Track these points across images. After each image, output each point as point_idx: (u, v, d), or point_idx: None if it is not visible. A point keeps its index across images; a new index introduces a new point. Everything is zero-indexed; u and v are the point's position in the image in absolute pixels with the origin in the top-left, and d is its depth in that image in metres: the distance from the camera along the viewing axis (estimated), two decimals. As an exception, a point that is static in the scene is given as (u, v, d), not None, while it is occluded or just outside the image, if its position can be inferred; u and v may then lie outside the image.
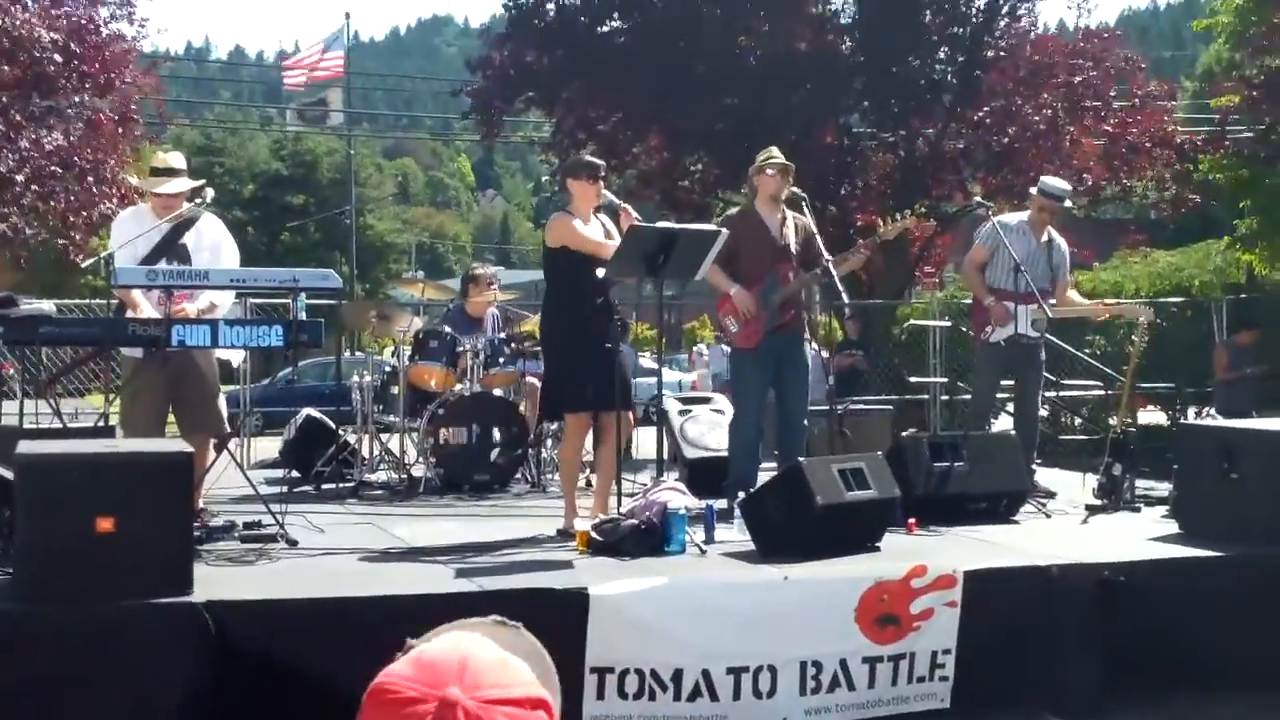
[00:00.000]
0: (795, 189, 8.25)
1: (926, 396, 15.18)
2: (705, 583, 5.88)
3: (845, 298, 8.11)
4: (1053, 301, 8.89)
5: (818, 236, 8.18)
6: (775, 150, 8.24)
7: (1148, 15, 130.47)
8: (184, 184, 7.46)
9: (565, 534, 7.07)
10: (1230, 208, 19.41)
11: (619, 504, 7.06)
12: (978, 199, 8.55)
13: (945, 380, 14.96)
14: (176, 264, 7.03)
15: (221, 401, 7.47)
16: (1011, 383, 9.43)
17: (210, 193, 7.47)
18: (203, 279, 6.67)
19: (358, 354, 15.35)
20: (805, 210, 8.21)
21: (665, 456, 8.00)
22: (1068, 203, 9.32)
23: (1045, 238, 9.08)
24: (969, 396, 12.89)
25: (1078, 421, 15.86)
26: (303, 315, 6.72)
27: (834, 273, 7.82)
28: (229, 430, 7.64)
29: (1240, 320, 14.54)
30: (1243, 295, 17.77)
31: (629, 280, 7.18)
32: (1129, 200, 21.94)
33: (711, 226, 7.31)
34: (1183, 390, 13.04)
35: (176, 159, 7.68)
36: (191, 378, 7.21)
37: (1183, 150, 18.84)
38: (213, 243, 7.46)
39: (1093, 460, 8.93)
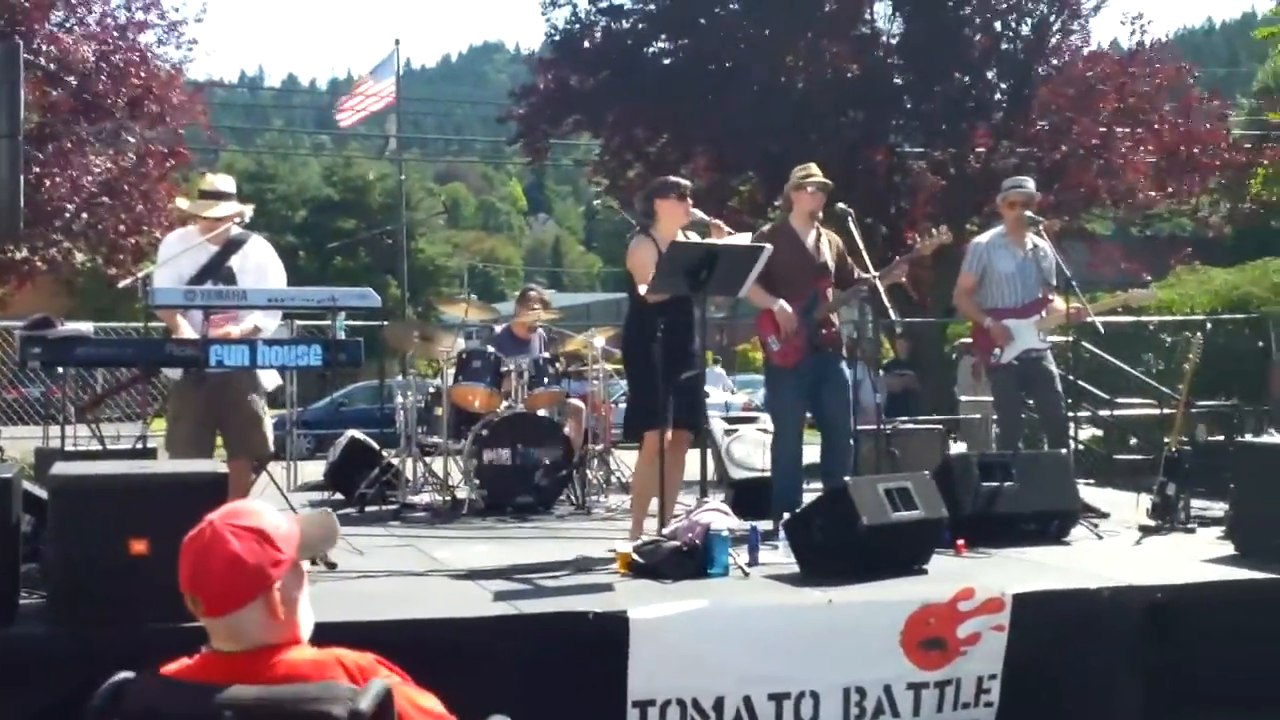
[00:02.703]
0: (842, 204, 8.16)
1: (979, 416, 14.96)
2: (747, 605, 5.75)
3: (893, 315, 7.99)
4: (1045, 314, 8.73)
5: (849, 255, 8.09)
6: (814, 167, 8.16)
7: (1201, 34, 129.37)
8: (232, 207, 7.45)
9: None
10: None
11: (661, 525, 6.98)
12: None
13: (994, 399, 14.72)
14: (222, 285, 7.02)
15: (268, 424, 7.43)
16: (1031, 401, 9.23)
17: (249, 212, 7.44)
18: (240, 299, 6.64)
19: (408, 376, 15.29)
20: (851, 225, 8.10)
21: (710, 477, 7.90)
22: (1029, 186, 9.11)
23: (1030, 245, 8.92)
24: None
25: (1132, 441, 15.63)
26: (341, 335, 6.68)
27: (880, 289, 7.71)
28: (272, 452, 7.60)
29: None
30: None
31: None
32: (1182, 215, 21.71)
33: (754, 244, 7.21)
34: (1241, 408, 12.76)
35: (225, 182, 7.67)
36: (234, 400, 7.19)
37: (1236, 164, 18.60)
38: (258, 264, 7.44)
39: (1147, 480, 8.75)
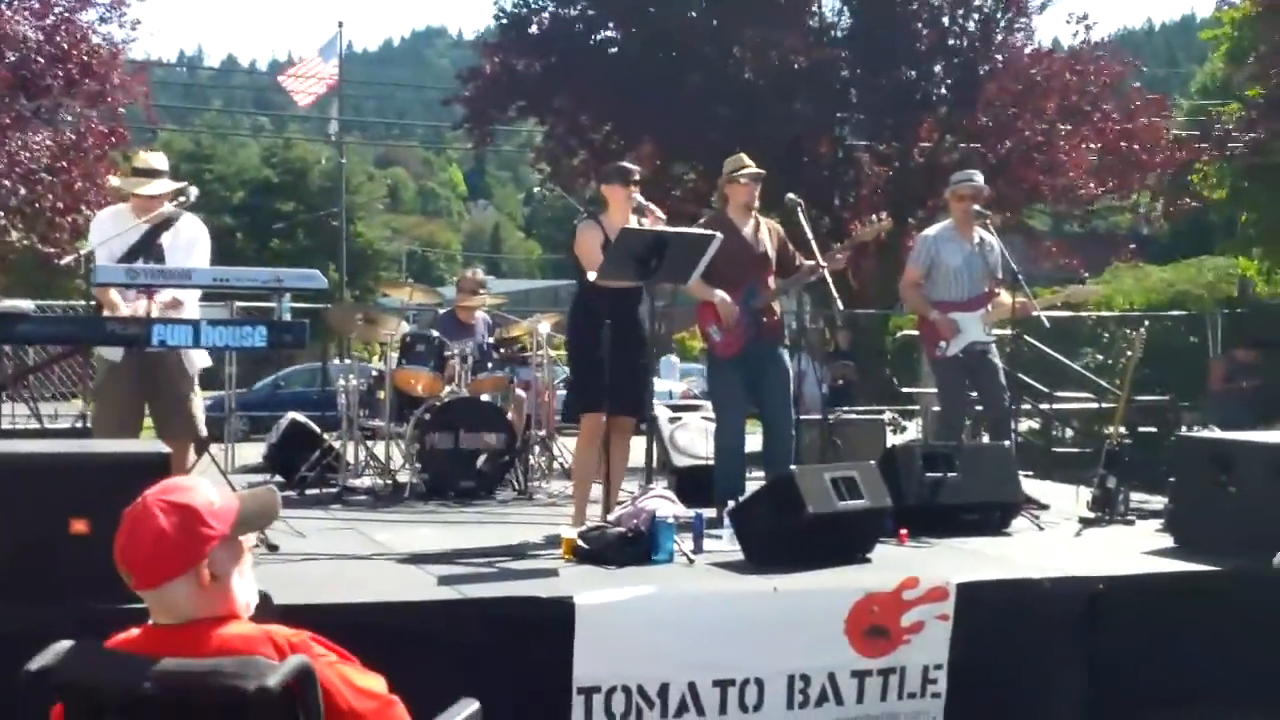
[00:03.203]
0: (791, 195, 8.17)
1: (917, 407, 15.07)
2: (693, 593, 5.75)
3: (838, 305, 8.01)
4: (991, 307, 8.79)
5: (797, 246, 8.09)
6: (745, 158, 8.15)
7: (1142, 35, 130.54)
8: (165, 185, 7.34)
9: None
10: (1222, 218, 19.41)
11: (605, 511, 6.97)
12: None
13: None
14: (152, 264, 6.89)
15: (197, 405, 7.34)
16: (975, 393, 9.28)
17: (194, 192, 7.35)
18: (185, 278, 6.53)
19: (347, 360, 15.18)
20: (801, 216, 8.10)
21: (654, 464, 7.88)
22: (977, 180, 9.16)
23: (977, 239, 8.96)
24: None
25: (1068, 433, 15.77)
26: (287, 316, 6.59)
27: (828, 278, 7.72)
28: (205, 434, 7.49)
29: (1244, 338, 14.46)
30: (1239, 310, 17.73)
31: (624, 283, 7.10)
32: (1124, 211, 21.93)
33: (705, 231, 7.19)
34: (1176, 402, 12.94)
35: (159, 159, 7.56)
36: (165, 380, 7.10)
37: (1176, 162, 18.80)
38: (188, 240, 7.33)
39: (1086, 472, 8.83)
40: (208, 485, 2.88)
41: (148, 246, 7.08)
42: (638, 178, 7.60)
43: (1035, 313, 8.81)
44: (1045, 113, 18.58)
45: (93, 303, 7.52)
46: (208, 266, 7.21)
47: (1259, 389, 12.93)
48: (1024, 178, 18.43)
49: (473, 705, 3.05)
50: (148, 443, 6.12)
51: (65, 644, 2.72)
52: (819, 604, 5.73)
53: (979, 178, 9.21)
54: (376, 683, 2.87)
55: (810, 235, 7.98)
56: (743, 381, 8.02)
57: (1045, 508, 8.49)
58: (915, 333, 15.70)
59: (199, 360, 7.38)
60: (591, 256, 7.27)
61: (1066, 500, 8.91)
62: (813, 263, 7.85)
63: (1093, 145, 18.84)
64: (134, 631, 2.82)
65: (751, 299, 7.94)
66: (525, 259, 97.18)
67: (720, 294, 7.83)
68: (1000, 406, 8.98)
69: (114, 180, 8.40)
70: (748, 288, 7.93)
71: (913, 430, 15.80)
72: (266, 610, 3.52)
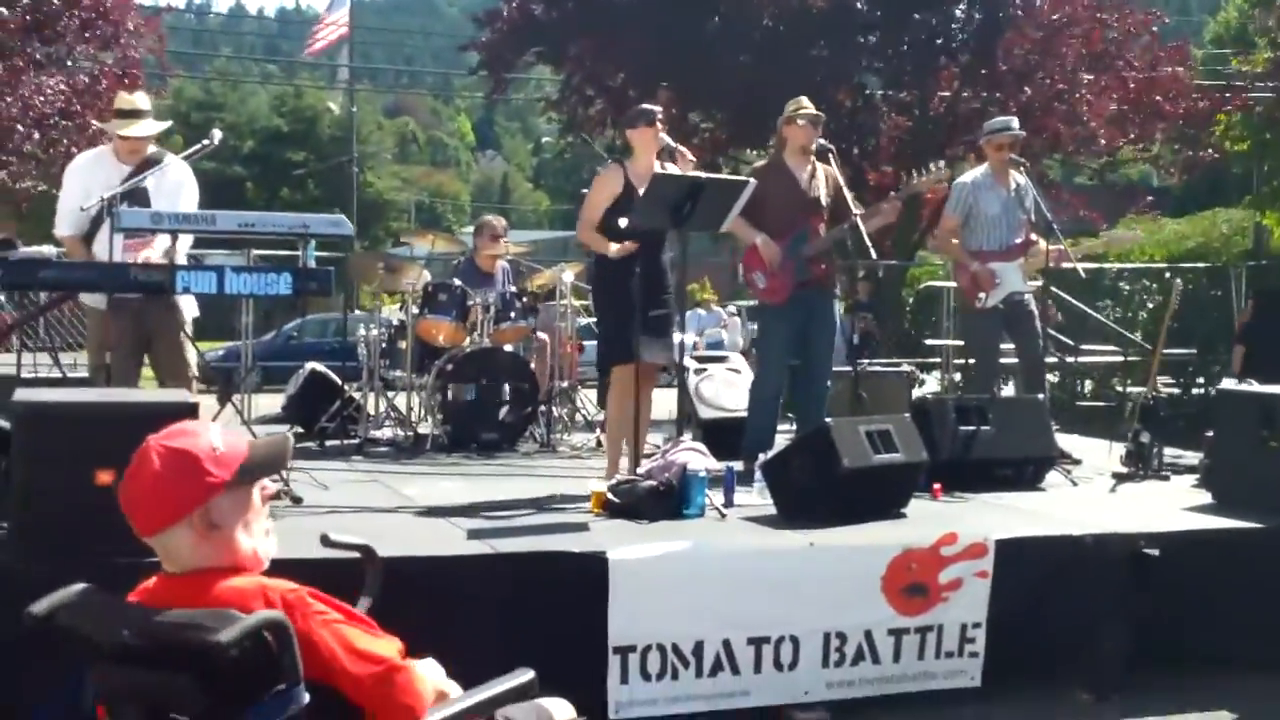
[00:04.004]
0: (823, 140, 7.98)
1: (938, 360, 14.93)
2: (727, 548, 5.63)
3: (874, 255, 7.86)
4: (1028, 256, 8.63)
5: (846, 190, 7.90)
6: (805, 100, 7.99)
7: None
8: (151, 126, 7.16)
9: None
10: (1247, 173, 19.17)
11: (634, 464, 6.85)
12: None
13: (962, 343, 14.67)
14: (136, 208, 6.71)
15: (191, 353, 7.20)
16: (1012, 345, 9.13)
17: (217, 134, 7.18)
18: (209, 223, 6.41)
19: (354, 310, 15.06)
20: (832, 162, 7.94)
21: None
22: (1014, 126, 8.97)
23: (1013, 185, 8.77)
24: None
25: (1088, 387, 15.65)
26: (312, 263, 6.48)
27: (863, 228, 7.56)
28: (197, 376, 7.35)
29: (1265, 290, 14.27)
30: (1263, 263, 17.54)
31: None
32: (1136, 162, 21.68)
33: (739, 177, 7.05)
34: (1205, 358, 12.77)
35: (142, 99, 7.38)
36: (155, 328, 6.98)
37: (1199, 112, 18.56)
38: (174, 183, 7.16)
39: (1112, 426, 8.70)
40: (216, 430, 2.80)
41: (132, 190, 6.91)
42: (658, 116, 7.44)
43: (1069, 264, 8.65)
44: (1066, 60, 18.34)
45: (61, 251, 7.36)
46: (195, 210, 7.04)
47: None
48: (1045, 126, 18.19)
49: (528, 674, 2.93)
50: (176, 392, 6.02)
51: (72, 589, 2.71)
52: (856, 560, 5.62)
53: (1016, 124, 9.00)
54: (384, 646, 2.76)
55: (843, 182, 7.83)
56: (789, 331, 7.87)
57: (1078, 462, 8.36)
58: (940, 284, 15.68)
59: (188, 309, 7.22)
60: (591, 211, 7.24)
61: (1095, 455, 8.79)
62: (853, 215, 7.68)
63: (1114, 95, 18.59)
64: (152, 581, 2.79)
65: (800, 244, 7.78)
66: (534, 210, 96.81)
67: (762, 235, 7.68)
68: (1036, 359, 8.82)
69: (99, 123, 8.22)
70: (797, 233, 7.77)
71: (931, 383, 15.71)
72: (370, 562, 3.43)
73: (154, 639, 2.54)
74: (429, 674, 2.85)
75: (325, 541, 3.39)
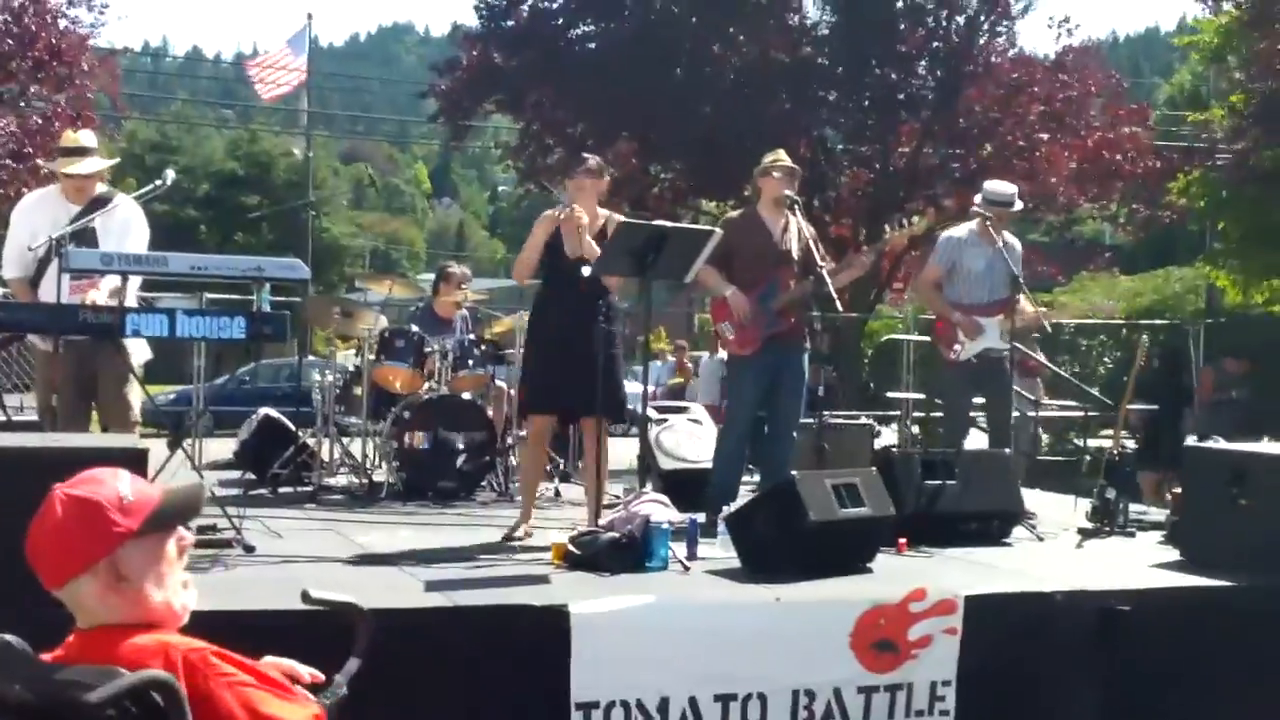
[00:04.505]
0: (788, 192, 7.89)
1: (898, 413, 14.86)
2: (693, 602, 5.51)
3: (839, 309, 7.77)
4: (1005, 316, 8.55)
5: (815, 243, 7.82)
6: (782, 153, 7.95)
7: (1107, 46, 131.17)
8: (96, 163, 7.02)
9: (508, 538, 7.01)
10: (1204, 230, 19.35)
11: (594, 516, 6.71)
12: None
13: (923, 396, 14.61)
14: (84, 248, 6.54)
15: (135, 396, 7.01)
16: (981, 400, 9.06)
17: (171, 174, 7.04)
18: (161, 264, 6.24)
19: (309, 358, 14.88)
20: (797, 214, 7.87)
21: (630, 466, 7.67)
22: (1017, 204, 8.96)
23: (1000, 243, 8.72)
24: (939, 415, 12.59)
25: (1045, 442, 15.61)
26: (266, 307, 6.33)
27: (829, 281, 7.46)
28: (139, 421, 7.17)
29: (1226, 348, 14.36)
30: (1221, 320, 17.66)
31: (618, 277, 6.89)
32: (1104, 217, 21.83)
33: (705, 227, 6.97)
34: (1164, 413, 12.76)
35: (87, 137, 7.25)
36: (102, 369, 6.80)
37: (1156, 172, 18.72)
38: (122, 221, 6.98)
39: (1069, 481, 8.63)
40: (126, 478, 2.66)
41: (80, 230, 6.73)
42: (595, 167, 7.33)
43: (1045, 323, 8.62)
44: (1027, 118, 18.46)
45: (6, 293, 7.18)
46: (145, 251, 6.87)
47: (1248, 401, 12.79)
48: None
49: None
50: (124, 436, 5.84)
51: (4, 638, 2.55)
52: (824, 616, 5.50)
53: (1018, 201, 8.96)
54: (293, 713, 2.61)
55: (812, 235, 7.75)
56: (758, 383, 7.76)
57: (1032, 517, 8.24)
58: (900, 337, 15.65)
59: (139, 352, 7.05)
60: (526, 252, 7.25)
61: (1057, 509, 8.72)
62: (822, 267, 7.58)
63: (1072, 154, 18.70)
64: (71, 636, 2.65)
65: (769, 298, 7.68)
66: (489, 258, 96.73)
67: (732, 289, 7.59)
68: (1004, 418, 8.75)
69: (43, 163, 8.05)
70: (766, 286, 7.68)
71: (888, 435, 15.62)
72: (360, 620, 3.27)
73: (44, 696, 2.41)
74: None
75: (306, 599, 3.18)
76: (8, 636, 2.57)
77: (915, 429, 14.15)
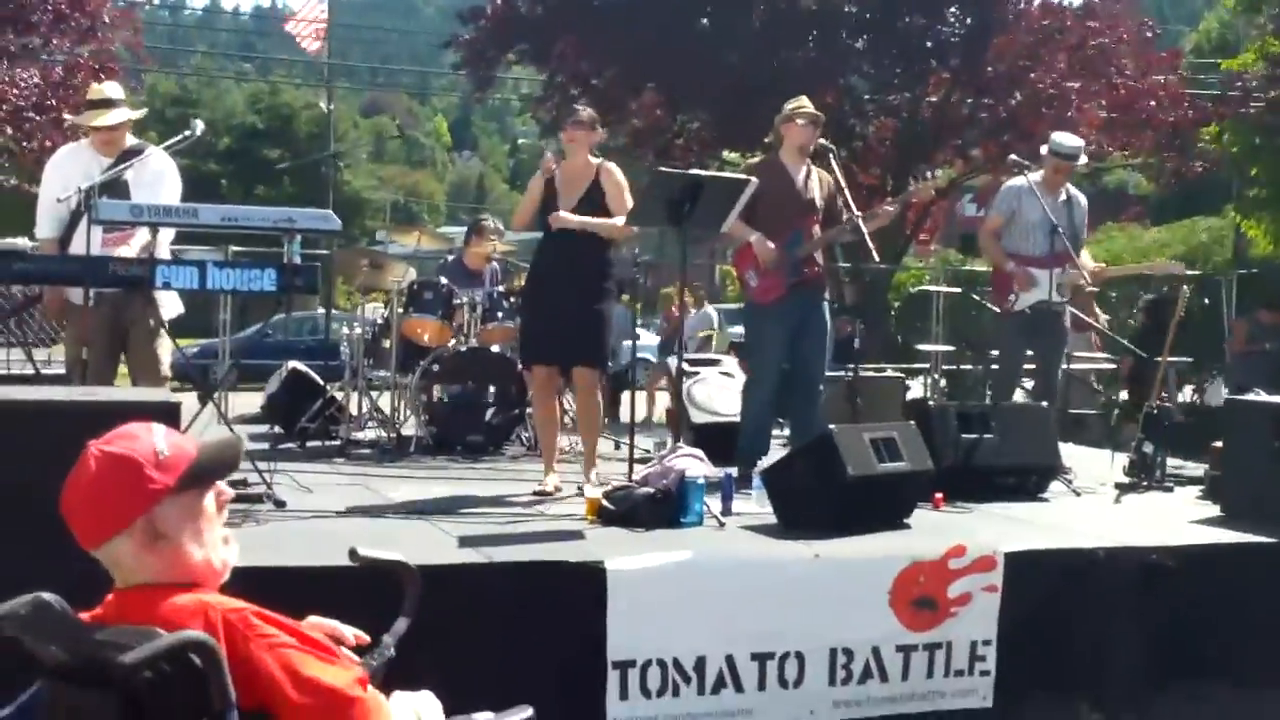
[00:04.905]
0: (823, 141, 7.78)
1: (926, 365, 14.74)
2: (733, 558, 5.43)
3: (876, 258, 7.66)
4: (1067, 268, 8.41)
5: (844, 192, 7.70)
6: (805, 100, 7.80)
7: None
8: (124, 114, 6.91)
9: (540, 494, 6.98)
10: (1236, 177, 19.06)
11: (630, 470, 6.64)
12: (1014, 157, 8.05)
13: (953, 348, 14.47)
14: (115, 200, 6.46)
15: (164, 349, 6.95)
16: (1031, 352, 8.94)
17: (200, 125, 6.93)
18: (191, 216, 6.16)
19: (333, 309, 14.81)
20: (833, 163, 7.74)
21: (660, 420, 7.59)
22: (1082, 159, 8.83)
23: (1064, 196, 8.58)
24: (975, 367, 12.49)
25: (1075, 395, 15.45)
26: (297, 259, 6.25)
27: (864, 230, 7.35)
28: (168, 376, 7.11)
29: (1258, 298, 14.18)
30: (1253, 271, 17.45)
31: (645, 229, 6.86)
32: (1134, 166, 21.60)
33: (739, 175, 6.86)
34: (1202, 364, 12.62)
35: (113, 89, 7.14)
36: (131, 323, 6.74)
37: (1187, 121, 18.48)
38: (154, 174, 6.88)
39: (1101, 434, 8.51)
40: (161, 432, 2.57)
41: (111, 180, 6.65)
42: (583, 118, 7.34)
43: (1089, 287, 8.56)
44: (1055, 66, 18.23)
45: (34, 246, 7.11)
46: (178, 203, 6.79)
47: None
48: (1034, 132, 18.08)
49: (526, 711, 2.77)
50: (157, 390, 5.78)
51: (23, 599, 2.50)
52: (863, 572, 5.43)
53: (1082, 154, 8.82)
54: (336, 674, 2.49)
55: (844, 183, 7.64)
56: (781, 333, 7.64)
57: (1068, 470, 8.13)
58: (931, 288, 15.48)
59: (171, 306, 6.97)
60: (522, 207, 7.34)
61: (1091, 464, 8.60)
62: (854, 216, 7.49)
63: (1103, 101, 18.48)
64: (111, 596, 2.58)
65: (794, 246, 7.57)
66: (510, 210, 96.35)
67: (757, 234, 7.48)
68: (1053, 373, 8.66)
69: (70, 116, 7.95)
70: (791, 234, 7.56)
71: (916, 389, 15.51)
72: (407, 579, 3.20)
73: (80, 657, 2.37)
74: (400, 708, 2.65)
75: (354, 557, 3.12)
76: (45, 595, 2.51)
77: (943, 382, 14.03)
